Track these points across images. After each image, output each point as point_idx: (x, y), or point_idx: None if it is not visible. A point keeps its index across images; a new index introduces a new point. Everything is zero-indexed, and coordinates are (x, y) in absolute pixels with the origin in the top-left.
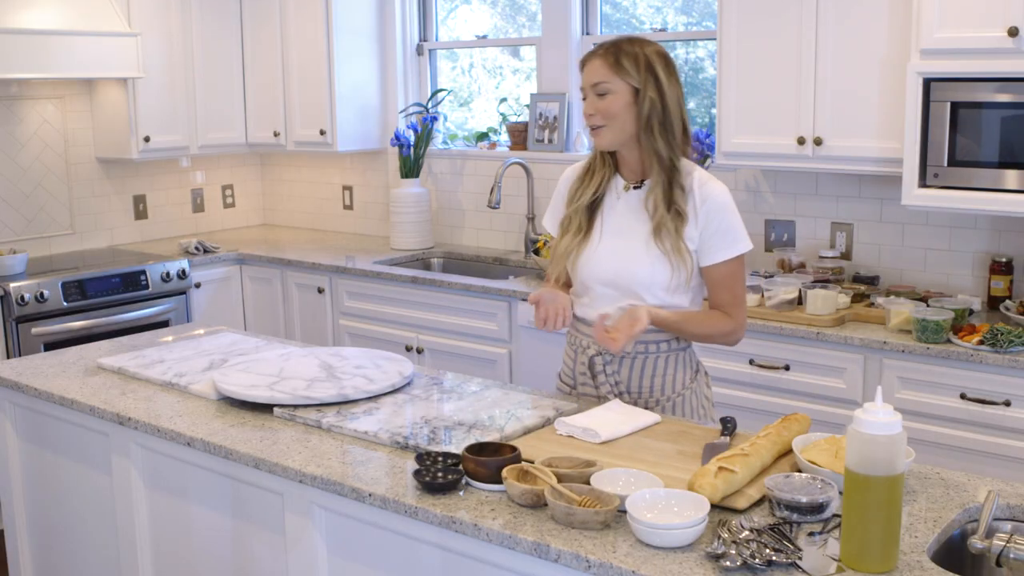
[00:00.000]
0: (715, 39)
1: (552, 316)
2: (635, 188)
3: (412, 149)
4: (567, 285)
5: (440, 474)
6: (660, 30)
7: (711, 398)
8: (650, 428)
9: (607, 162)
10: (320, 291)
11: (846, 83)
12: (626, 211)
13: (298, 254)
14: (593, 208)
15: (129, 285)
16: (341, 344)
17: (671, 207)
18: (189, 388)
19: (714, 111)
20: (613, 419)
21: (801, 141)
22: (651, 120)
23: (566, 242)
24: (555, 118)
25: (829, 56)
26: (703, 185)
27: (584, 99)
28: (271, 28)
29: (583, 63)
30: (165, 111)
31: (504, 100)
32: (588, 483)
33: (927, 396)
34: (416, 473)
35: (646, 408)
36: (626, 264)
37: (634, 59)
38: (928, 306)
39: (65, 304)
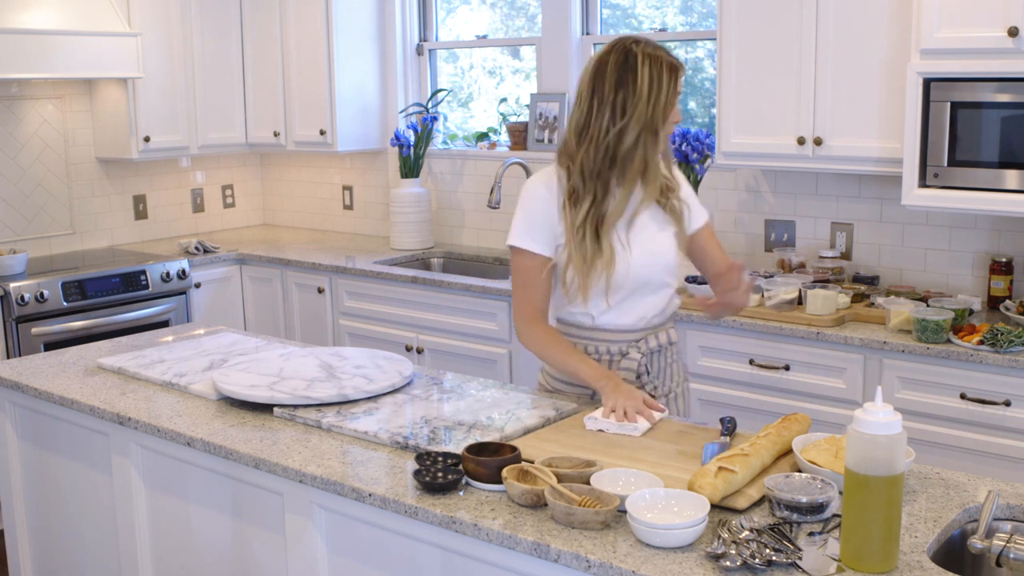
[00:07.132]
0: (715, 39)
1: (642, 411)
2: None
3: (412, 149)
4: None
5: (440, 474)
6: (660, 30)
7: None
8: (650, 428)
9: (592, 186)
10: (320, 291)
11: (846, 83)
12: (644, 213)
13: (298, 254)
14: (599, 228)
15: (129, 285)
16: (341, 344)
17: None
18: (189, 388)
19: (714, 111)
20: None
21: (801, 141)
22: None
23: (583, 267)
24: (555, 118)
25: (829, 56)
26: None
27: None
28: (271, 28)
29: (680, 72)
30: (165, 111)
31: (504, 100)
32: (588, 483)
33: (927, 396)
34: (416, 473)
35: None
36: (663, 254)
37: None
38: (928, 306)
39: (65, 304)
